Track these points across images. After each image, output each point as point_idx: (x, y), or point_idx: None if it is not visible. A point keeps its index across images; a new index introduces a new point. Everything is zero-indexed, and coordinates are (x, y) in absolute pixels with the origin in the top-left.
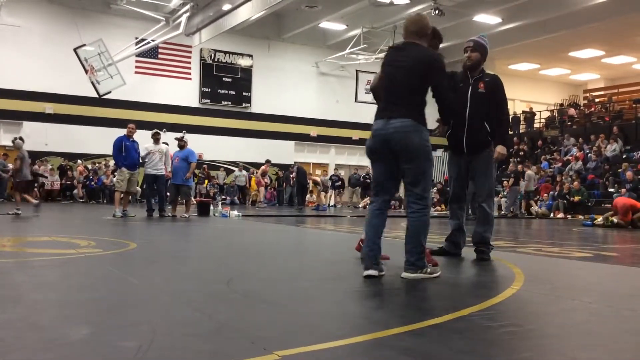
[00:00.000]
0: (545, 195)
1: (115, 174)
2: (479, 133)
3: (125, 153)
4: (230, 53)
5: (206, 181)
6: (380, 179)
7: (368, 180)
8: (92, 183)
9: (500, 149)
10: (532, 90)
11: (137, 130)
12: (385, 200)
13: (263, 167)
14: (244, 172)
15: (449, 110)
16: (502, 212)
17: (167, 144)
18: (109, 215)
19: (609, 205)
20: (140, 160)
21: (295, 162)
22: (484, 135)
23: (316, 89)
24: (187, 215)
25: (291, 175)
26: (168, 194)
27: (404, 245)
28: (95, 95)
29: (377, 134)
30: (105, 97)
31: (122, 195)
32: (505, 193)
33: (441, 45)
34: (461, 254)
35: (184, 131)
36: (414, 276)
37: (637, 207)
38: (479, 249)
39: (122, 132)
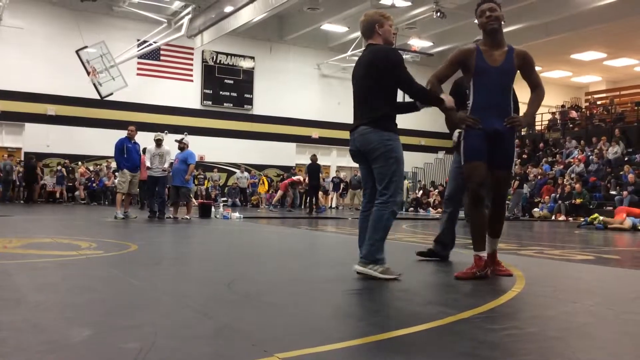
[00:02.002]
0: (547, 197)
1: (117, 175)
2: None
3: (127, 155)
4: (232, 55)
5: (206, 182)
6: (365, 180)
7: None
8: (94, 185)
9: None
10: None
11: (139, 132)
12: (372, 199)
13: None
14: (246, 173)
15: (426, 98)
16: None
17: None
18: (110, 217)
19: (611, 208)
20: (147, 164)
21: (294, 165)
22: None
23: (318, 90)
24: (188, 217)
25: (300, 178)
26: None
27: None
28: (97, 97)
29: (351, 143)
30: (107, 98)
31: (123, 196)
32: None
33: (441, 49)
34: (449, 256)
35: (185, 133)
36: (362, 270)
37: (632, 212)
38: None
39: (123, 134)
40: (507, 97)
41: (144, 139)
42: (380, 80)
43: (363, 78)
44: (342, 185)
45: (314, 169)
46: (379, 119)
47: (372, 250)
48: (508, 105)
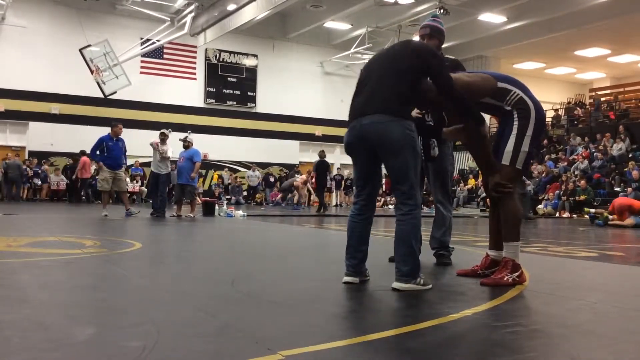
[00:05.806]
0: (551, 194)
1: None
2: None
3: (108, 153)
4: (235, 53)
5: (200, 180)
6: (363, 178)
7: None
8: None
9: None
10: (538, 89)
11: (144, 131)
12: (367, 202)
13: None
14: (257, 172)
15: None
16: None
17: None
18: (111, 215)
19: None
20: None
21: (298, 163)
22: (439, 130)
23: (321, 88)
24: (192, 215)
25: (302, 178)
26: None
27: (394, 252)
28: (100, 95)
29: (352, 129)
30: (111, 97)
31: (127, 195)
32: None
33: (445, 45)
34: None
35: (189, 131)
36: (407, 287)
37: (634, 207)
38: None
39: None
40: None
41: (147, 137)
42: (411, 67)
43: (390, 62)
44: (344, 183)
45: (322, 167)
46: (401, 106)
47: (414, 267)
48: None
